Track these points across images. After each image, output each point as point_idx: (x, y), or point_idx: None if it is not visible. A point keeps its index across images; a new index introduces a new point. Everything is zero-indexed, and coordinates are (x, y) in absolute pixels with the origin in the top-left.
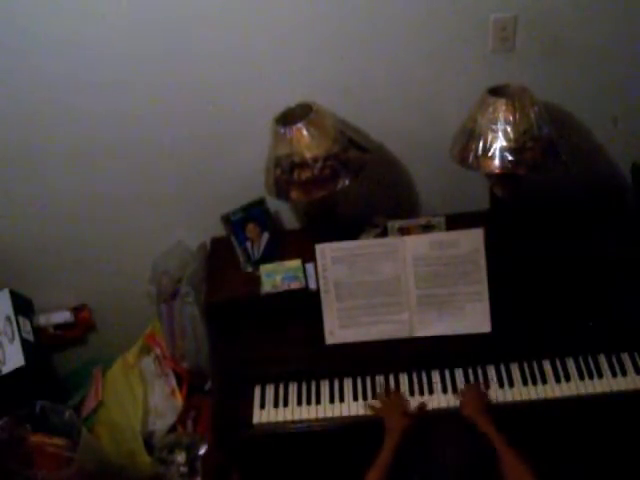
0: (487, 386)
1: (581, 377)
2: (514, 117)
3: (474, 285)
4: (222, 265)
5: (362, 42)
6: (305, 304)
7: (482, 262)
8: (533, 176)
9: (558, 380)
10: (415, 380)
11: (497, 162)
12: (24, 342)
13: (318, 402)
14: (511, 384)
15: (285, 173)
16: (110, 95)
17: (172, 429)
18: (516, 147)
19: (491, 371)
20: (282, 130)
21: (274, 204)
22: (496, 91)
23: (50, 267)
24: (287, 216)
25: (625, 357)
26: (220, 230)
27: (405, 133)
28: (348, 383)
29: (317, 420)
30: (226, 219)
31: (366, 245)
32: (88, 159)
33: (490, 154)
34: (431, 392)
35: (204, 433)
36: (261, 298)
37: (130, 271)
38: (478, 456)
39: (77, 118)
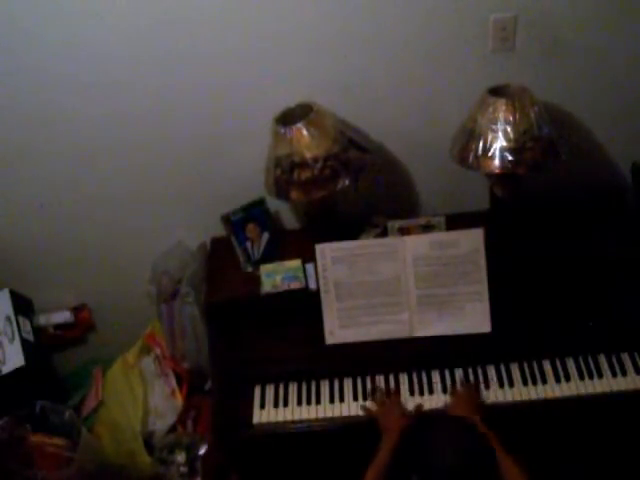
0: (487, 386)
1: (581, 377)
2: (514, 117)
3: (474, 285)
4: (222, 265)
5: (362, 42)
6: (305, 304)
7: (482, 262)
8: (533, 176)
9: (558, 380)
10: (415, 380)
11: (497, 162)
12: (24, 342)
13: (318, 402)
14: (511, 384)
15: (285, 173)
16: (110, 95)
17: (172, 429)
18: (516, 147)
19: (491, 371)
20: (282, 130)
21: (274, 204)
22: (496, 91)
23: (50, 267)
24: (287, 216)
25: (625, 357)
26: (220, 230)
27: (405, 133)
28: (348, 383)
29: (317, 420)
30: (226, 219)
31: (366, 245)
32: (88, 159)
33: (490, 154)
34: (431, 392)
35: (204, 433)
36: (261, 298)
37: (130, 271)
38: (477, 456)
39: (77, 118)
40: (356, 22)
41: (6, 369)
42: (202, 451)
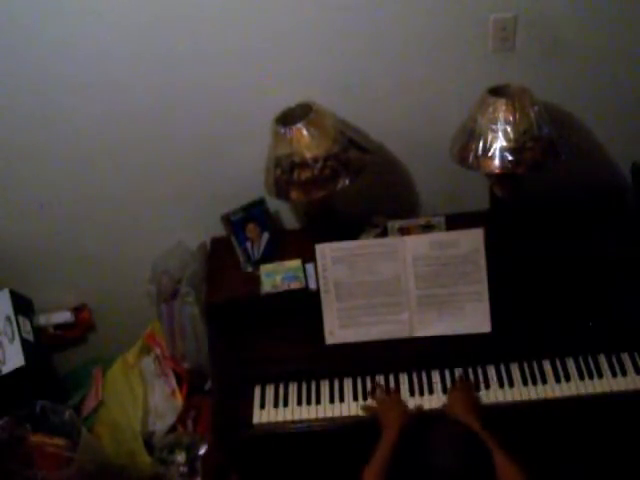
0: (487, 386)
1: (581, 377)
2: (514, 117)
3: (474, 285)
4: (222, 265)
5: (362, 42)
6: (305, 304)
7: (482, 262)
8: (533, 176)
9: (558, 380)
10: (415, 380)
11: (497, 162)
12: (24, 342)
13: (318, 402)
14: (511, 384)
15: (285, 173)
16: (110, 95)
17: (172, 429)
18: (516, 147)
19: (491, 371)
20: (282, 130)
21: (274, 204)
22: (496, 91)
23: (50, 267)
24: (287, 216)
25: (625, 357)
26: (220, 230)
27: (405, 133)
28: (348, 383)
29: (317, 420)
30: (226, 219)
31: (366, 245)
32: (88, 159)
33: (490, 154)
34: (431, 392)
35: (204, 433)
36: (261, 298)
37: (130, 271)
38: (477, 458)
39: (77, 118)
40: (356, 22)
41: (6, 369)
42: (202, 451)
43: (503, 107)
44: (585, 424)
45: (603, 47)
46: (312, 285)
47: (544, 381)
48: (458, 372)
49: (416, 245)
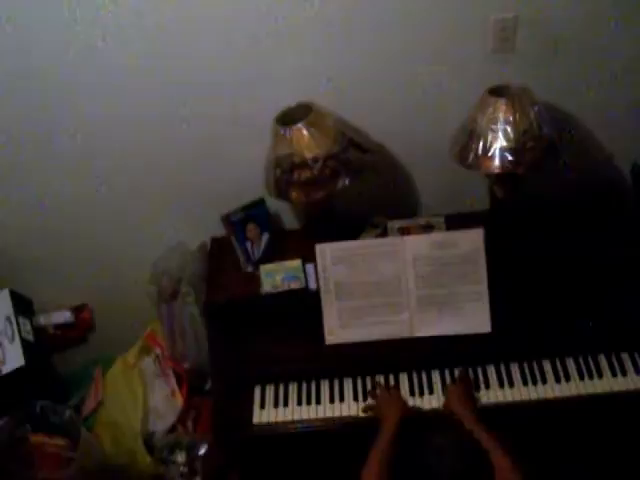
0: (487, 386)
1: (581, 377)
2: (514, 117)
3: (474, 285)
4: (222, 265)
5: (362, 42)
6: (305, 304)
7: (482, 262)
8: (533, 176)
9: (558, 380)
10: (415, 380)
11: (497, 162)
12: (24, 342)
13: (318, 402)
14: (511, 384)
15: (285, 173)
16: (109, 95)
17: (172, 429)
18: (516, 147)
19: (491, 371)
20: (282, 130)
21: (274, 204)
22: (496, 91)
23: (50, 267)
24: (287, 216)
25: (625, 357)
26: (220, 230)
27: (405, 133)
28: (348, 383)
29: (317, 420)
30: (226, 219)
31: (366, 245)
32: (88, 159)
33: (490, 154)
34: (431, 392)
35: (204, 433)
36: (261, 298)
37: (130, 271)
38: (476, 460)
39: (77, 118)
40: (356, 22)
41: (6, 369)
42: (202, 451)
43: (503, 107)
44: (585, 424)
45: (603, 47)
46: (312, 285)
47: (544, 381)
48: (459, 370)
49: (416, 245)
